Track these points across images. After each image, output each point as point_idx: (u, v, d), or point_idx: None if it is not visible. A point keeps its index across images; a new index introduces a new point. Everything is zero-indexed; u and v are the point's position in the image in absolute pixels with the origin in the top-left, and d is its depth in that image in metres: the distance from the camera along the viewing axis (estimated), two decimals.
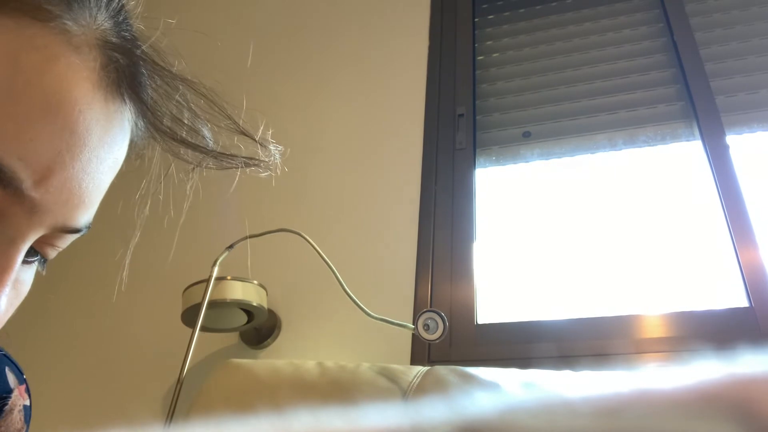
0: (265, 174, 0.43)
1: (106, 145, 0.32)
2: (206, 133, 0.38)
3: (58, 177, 0.29)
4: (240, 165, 0.40)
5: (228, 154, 0.39)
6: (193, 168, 0.39)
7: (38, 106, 0.28)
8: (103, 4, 0.32)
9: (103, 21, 0.32)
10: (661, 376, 0.84)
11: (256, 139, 0.41)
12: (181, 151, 0.38)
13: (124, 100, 0.33)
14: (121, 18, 0.33)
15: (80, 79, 0.30)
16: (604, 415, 0.76)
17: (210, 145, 0.38)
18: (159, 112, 0.35)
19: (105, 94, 0.31)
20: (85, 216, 0.33)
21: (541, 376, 0.93)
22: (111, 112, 0.32)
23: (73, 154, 0.30)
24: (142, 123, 0.36)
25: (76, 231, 0.33)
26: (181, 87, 0.36)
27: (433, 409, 0.78)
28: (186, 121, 0.36)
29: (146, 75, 0.34)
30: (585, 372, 0.95)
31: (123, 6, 0.33)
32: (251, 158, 0.41)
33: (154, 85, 0.35)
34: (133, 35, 0.34)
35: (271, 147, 0.43)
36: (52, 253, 0.34)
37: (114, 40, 0.32)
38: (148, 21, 0.36)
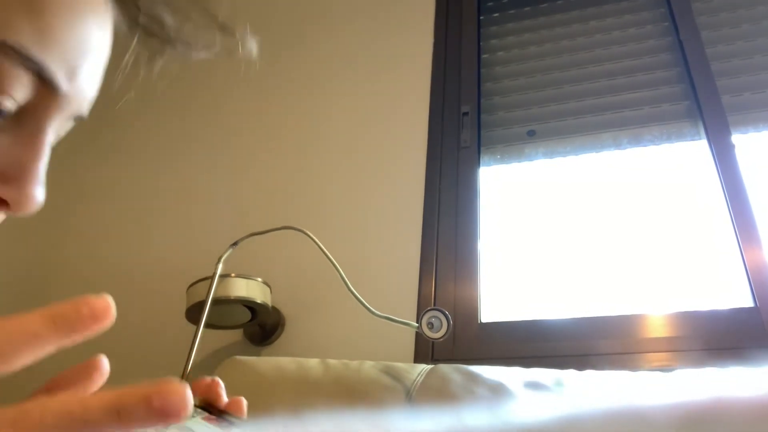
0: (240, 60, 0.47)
1: (104, 45, 0.38)
2: (172, 22, 0.42)
3: (83, 72, 0.35)
4: (209, 52, 0.45)
5: (201, 46, 0.44)
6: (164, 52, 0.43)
7: (65, 15, 0.33)
8: None
9: None
10: (726, 380, 0.80)
11: (237, 35, 0.46)
12: (155, 45, 0.43)
13: (112, 2, 0.38)
14: None
15: None
16: (685, 425, 0.71)
17: (188, 39, 0.43)
18: (138, 10, 0.41)
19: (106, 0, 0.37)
20: (88, 106, 0.38)
21: (546, 376, 0.93)
22: (107, 16, 0.38)
23: (92, 53, 0.36)
24: (122, 22, 0.41)
25: (81, 119, 0.38)
26: None
27: (483, 414, 0.75)
28: (162, 17, 0.42)
29: None
30: (589, 372, 0.95)
31: None
32: (220, 47, 0.45)
33: None
34: None
35: (248, 42, 0.48)
36: (55, 141, 0.38)
37: None
38: None
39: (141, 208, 1.78)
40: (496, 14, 1.84)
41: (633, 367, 1.14)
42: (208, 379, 0.41)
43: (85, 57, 0.35)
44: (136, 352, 1.49)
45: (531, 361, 1.06)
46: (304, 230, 1.16)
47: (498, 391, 0.88)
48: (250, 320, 1.33)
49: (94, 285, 1.68)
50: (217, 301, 1.22)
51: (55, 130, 0.36)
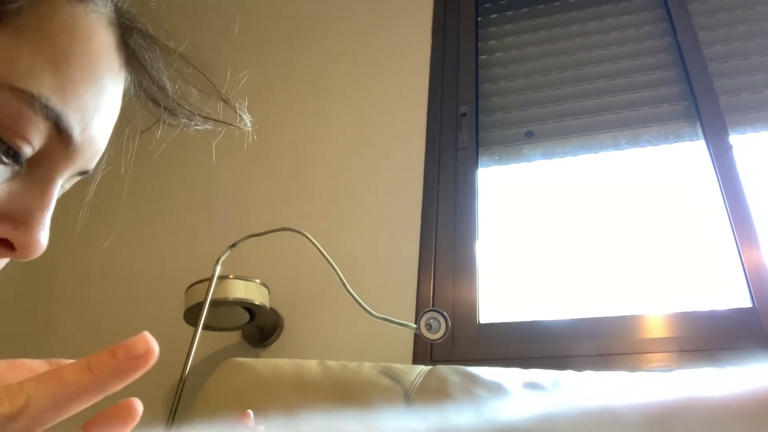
0: (240, 127, 0.50)
1: (117, 104, 0.40)
2: (176, 89, 0.45)
3: (94, 127, 0.37)
4: (210, 125, 0.47)
5: (203, 115, 0.46)
6: (165, 122, 0.46)
7: (86, 70, 0.35)
8: None
9: (110, 4, 0.39)
10: (699, 381, 0.81)
11: (235, 107, 0.49)
12: (160, 112, 0.45)
13: (125, 68, 0.40)
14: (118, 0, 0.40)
15: (108, 52, 0.37)
16: (655, 424, 0.72)
17: (190, 109, 0.45)
18: (147, 79, 0.43)
19: (118, 63, 0.39)
20: (96, 161, 0.39)
21: (545, 377, 0.93)
22: (120, 77, 0.40)
23: (104, 109, 0.37)
24: (132, 87, 0.43)
25: (86, 173, 0.39)
26: (167, 57, 0.43)
27: (462, 415, 0.76)
28: (168, 87, 0.44)
29: (140, 46, 0.41)
30: (589, 372, 0.95)
31: None
32: (223, 121, 0.49)
33: (146, 56, 0.42)
34: (128, 13, 0.41)
35: (245, 116, 0.50)
36: (60, 194, 0.39)
37: (118, 18, 0.39)
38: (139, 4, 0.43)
39: (140, 208, 1.77)
40: (494, 15, 1.85)
41: (632, 367, 1.14)
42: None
43: (99, 112, 0.37)
44: None
45: (530, 362, 1.06)
46: (303, 232, 1.16)
47: (497, 391, 0.88)
48: (249, 322, 1.33)
49: (93, 286, 1.68)
50: (215, 303, 1.22)
51: (62, 181, 0.37)
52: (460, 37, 1.79)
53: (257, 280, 1.30)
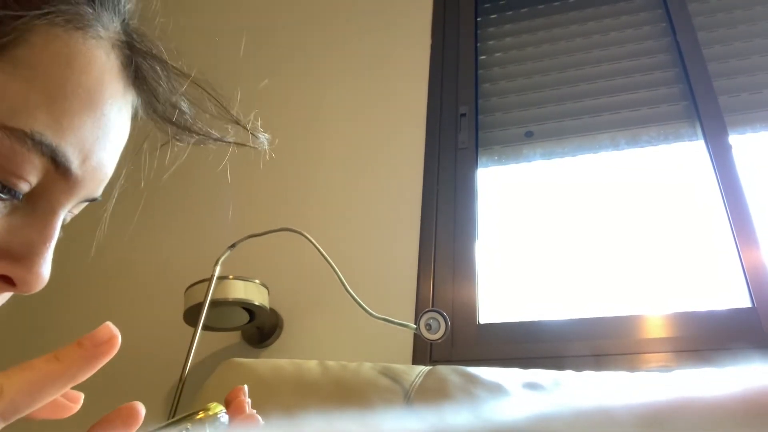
0: (257, 146, 0.50)
1: (122, 129, 0.39)
2: (188, 108, 0.44)
3: (95, 157, 0.36)
4: (227, 142, 0.47)
5: (215, 137, 0.46)
6: (180, 141, 0.46)
7: (84, 101, 0.34)
8: (116, 11, 0.38)
9: (117, 24, 0.38)
10: (696, 381, 0.81)
11: (247, 127, 0.48)
12: (172, 131, 0.44)
13: (132, 90, 0.40)
14: (125, 20, 0.39)
15: (109, 77, 0.36)
16: (648, 424, 0.73)
17: (203, 129, 0.45)
18: (157, 99, 0.42)
19: (124, 86, 0.38)
20: (102, 188, 0.39)
21: (545, 377, 0.93)
22: (126, 101, 0.39)
23: (106, 138, 0.36)
24: (141, 108, 0.42)
25: (94, 200, 0.39)
26: (176, 77, 0.42)
27: (458, 415, 0.76)
28: (179, 107, 0.43)
29: (148, 67, 0.40)
30: (588, 373, 0.95)
31: (126, 10, 0.39)
32: (237, 142, 0.48)
33: (154, 76, 0.41)
34: (135, 33, 0.40)
35: (260, 135, 0.50)
36: (69, 219, 0.39)
37: (125, 39, 0.38)
38: (144, 21, 0.42)
39: (139, 209, 1.77)
40: (493, 15, 1.85)
41: (631, 367, 1.14)
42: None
43: (101, 141, 0.36)
44: (134, 354, 1.49)
45: (529, 362, 1.06)
46: (302, 232, 1.16)
47: (496, 392, 0.88)
48: (248, 322, 1.33)
49: (92, 286, 1.68)
50: (215, 303, 1.22)
51: (67, 211, 0.37)
52: (459, 37, 1.79)
53: (257, 281, 1.30)
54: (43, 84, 0.32)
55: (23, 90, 0.32)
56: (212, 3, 2.13)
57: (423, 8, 1.85)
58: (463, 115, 1.62)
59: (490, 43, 1.80)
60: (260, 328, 1.39)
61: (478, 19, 1.84)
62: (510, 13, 1.83)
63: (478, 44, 1.79)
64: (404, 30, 1.83)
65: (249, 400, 0.41)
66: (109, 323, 0.29)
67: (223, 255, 1.23)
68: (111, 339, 0.29)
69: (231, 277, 1.26)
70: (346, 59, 1.83)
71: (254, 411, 0.40)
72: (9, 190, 0.32)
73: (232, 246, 1.24)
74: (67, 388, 0.28)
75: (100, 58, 0.36)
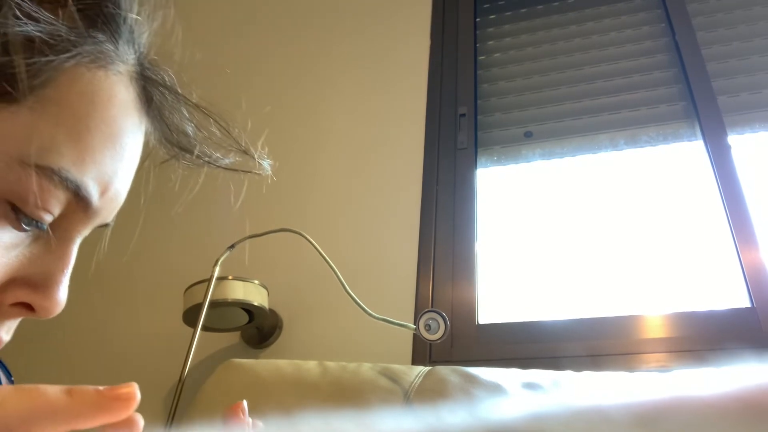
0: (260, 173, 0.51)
1: (136, 157, 0.40)
2: (195, 135, 0.45)
3: (113, 189, 0.37)
4: (234, 168, 0.49)
5: (223, 165, 0.48)
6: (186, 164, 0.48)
7: (105, 135, 0.36)
8: (131, 44, 0.39)
9: (133, 57, 0.39)
10: (691, 380, 0.82)
11: (255, 157, 0.50)
12: (181, 156, 0.46)
13: (146, 118, 0.41)
14: (139, 51, 0.40)
15: (127, 109, 0.38)
16: (643, 423, 0.73)
17: (212, 156, 0.47)
18: (168, 127, 0.43)
19: (138, 116, 0.39)
20: (115, 214, 0.41)
21: (544, 377, 0.93)
22: (140, 130, 0.40)
23: (123, 169, 0.38)
24: (153, 135, 0.43)
25: (106, 226, 0.41)
26: (188, 107, 0.44)
27: (458, 415, 0.76)
28: (188, 133, 0.45)
29: (160, 95, 0.42)
30: (587, 373, 0.95)
31: (142, 42, 0.40)
32: (240, 169, 0.50)
33: (165, 104, 0.42)
34: (148, 63, 0.41)
35: (265, 163, 0.52)
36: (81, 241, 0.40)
37: (140, 71, 0.40)
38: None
39: (139, 209, 1.77)
40: (492, 16, 1.85)
41: (631, 367, 1.14)
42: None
43: (119, 173, 0.38)
44: (134, 355, 1.49)
45: (529, 363, 1.06)
46: (301, 232, 1.16)
47: (496, 392, 0.88)
48: (248, 323, 1.33)
49: (92, 287, 1.68)
50: (214, 304, 1.22)
51: (82, 238, 0.39)
52: (458, 37, 1.79)
53: (256, 281, 1.30)
54: (69, 121, 0.34)
55: (50, 128, 0.33)
56: (209, 5, 2.13)
57: (422, 8, 1.85)
58: (463, 115, 1.62)
59: (490, 43, 1.80)
60: (260, 329, 1.39)
61: (477, 19, 1.84)
62: (509, 13, 1.83)
63: (478, 44, 1.79)
64: (403, 30, 1.83)
65: (250, 420, 0.41)
66: (134, 384, 0.28)
67: (222, 255, 1.23)
68: (130, 399, 0.28)
69: (230, 277, 1.26)
70: (345, 60, 1.84)
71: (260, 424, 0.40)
72: (36, 222, 0.34)
73: (232, 246, 1.24)
74: (67, 429, 0.26)
75: (121, 93, 0.37)
